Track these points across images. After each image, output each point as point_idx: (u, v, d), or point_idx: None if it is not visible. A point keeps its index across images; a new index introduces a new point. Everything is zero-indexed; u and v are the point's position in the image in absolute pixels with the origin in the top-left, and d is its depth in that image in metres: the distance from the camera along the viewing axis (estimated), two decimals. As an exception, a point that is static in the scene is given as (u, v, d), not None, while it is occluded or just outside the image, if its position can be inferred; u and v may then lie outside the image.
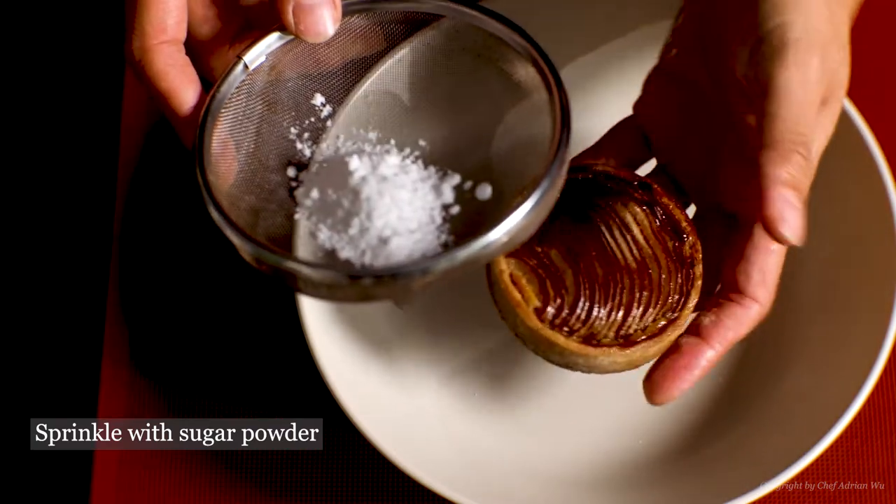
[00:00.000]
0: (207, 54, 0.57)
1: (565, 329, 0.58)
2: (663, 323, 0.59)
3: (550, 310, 0.58)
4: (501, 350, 0.68)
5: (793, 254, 0.69)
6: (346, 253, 0.55)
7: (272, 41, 0.56)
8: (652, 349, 0.58)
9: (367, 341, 0.67)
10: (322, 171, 0.57)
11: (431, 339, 0.68)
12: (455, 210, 0.56)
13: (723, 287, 0.58)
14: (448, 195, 0.57)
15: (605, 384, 0.65)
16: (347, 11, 0.56)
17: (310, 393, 0.69)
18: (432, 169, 0.57)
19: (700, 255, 0.60)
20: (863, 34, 0.70)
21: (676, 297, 0.59)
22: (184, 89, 0.54)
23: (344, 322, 0.67)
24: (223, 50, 0.56)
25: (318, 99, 0.59)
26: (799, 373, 0.67)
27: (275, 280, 0.53)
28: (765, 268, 0.57)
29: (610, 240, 0.60)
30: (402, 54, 0.60)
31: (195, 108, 0.54)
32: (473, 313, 0.68)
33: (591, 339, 0.58)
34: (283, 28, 0.55)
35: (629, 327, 0.59)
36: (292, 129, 0.58)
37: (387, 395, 0.66)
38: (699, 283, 0.60)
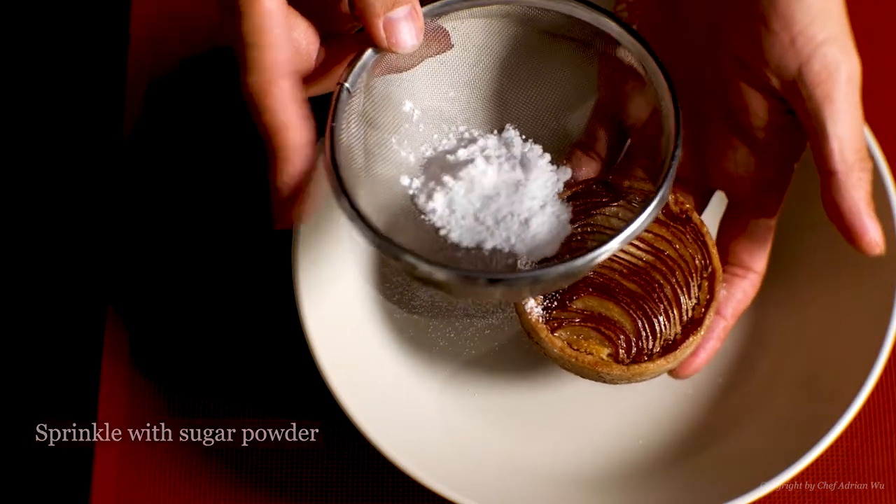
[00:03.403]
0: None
1: (644, 356, 0.59)
2: (706, 284, 0.60)
3: (622, 351, 0.59)
4: (501, 350, 0.68)
5: (794, 254, 0.69)
6: (490, 243, 0.57)
7: (365, 61, 0.57)
8: (713, 310, 0.60)
9: (367, 342, 0.67)
10: (436, 172, 0.59)
11: (432, 339, 0.68)
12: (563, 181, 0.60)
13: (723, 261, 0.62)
14: (553, 167, 0.60)
15: (605, 385, 0.65)
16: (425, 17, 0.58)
17: (310, 393, 0.69)
18: (527, 145, 0.60)
19: (688, 205, 0.61)
20: (863, 34, 0.70)
21: (699, 255, 0.60)
22: (300, 124, 0.54)
23: (344, 323, 0.67)
24: (311, 70, 0.57)
25: (407, 105, 0.61)
26: (799, 373, 0.67)
27: (434, 287, 0.56)
28: (765, 244, 0.62)
29: (617, 253, 0.60)
30: (476, 46, 0.62)
31: (307, 145, 0.54)
32: (474, 313, 0.68)
33: (668, 347, 0.59)
34: (372, 46, 0.56)
35: (687, 311, 0.60)
36: (393, 140, 0.60)
37: (387, 395, 0.66)
38: (705, 228, 0.61)
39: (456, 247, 0.58)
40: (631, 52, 0.59)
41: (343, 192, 0.54)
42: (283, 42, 0.54)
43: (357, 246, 0.68)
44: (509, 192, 0.58)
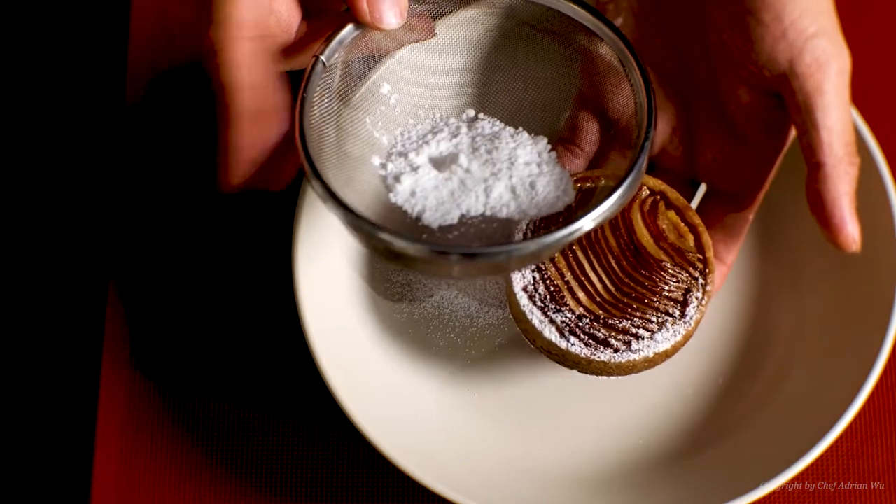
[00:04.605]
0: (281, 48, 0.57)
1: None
2: (698, 282, 0.61)
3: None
4: (501, 350, 0.68)
5: (793, 254, 0.69)
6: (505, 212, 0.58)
7: (343, 36, 0.57)
8: (704, 308, 0.61)
9: (367, 342, 0.67)
10: (409, 156, 0.59)
11: (432, 339, 0.68)
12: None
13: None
14: (543, 144, 0.60)
15: (605, 384, 0.65)
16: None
17: (310, 393, 0.69)
18: (506, 128, 0.61)
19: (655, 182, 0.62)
20: (863, 34, 0.70)
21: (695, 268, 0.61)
22: (258, 88, 0.54)
23: (344, 323, 0.67)
24: (290, 43, 0.57)
25: (385, 87, 0.61)
26: (799, 373, 0.67)
27: (399, 262, 0.56)
28: (740, 237, 0.62)
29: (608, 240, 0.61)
30: (459, 36, 0.62)
31: (259, 112, 0.54)
32: (474, 313, 0.68)
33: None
34: (353, 21, 0.56)
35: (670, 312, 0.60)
36: (368, 120, 0.60)
37: (387, 395, 0.66)
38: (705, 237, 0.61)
39: (427, 228, 0.58)
40: (608, 44, 0.59)
41: (308, 158, 0.54)
42: (255, 4, 0.54)
43: (358, 246, 0.68)
44: (494, 169, 0.58)
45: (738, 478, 0.63)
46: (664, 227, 0.61)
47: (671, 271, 0.60)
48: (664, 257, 0.60)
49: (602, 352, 0.59)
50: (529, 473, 0.66)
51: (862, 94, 0.68)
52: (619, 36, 0.59)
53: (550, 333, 0.60)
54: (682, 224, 0.61)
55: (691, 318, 0.60)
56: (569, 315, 0.60)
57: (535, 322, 0.60)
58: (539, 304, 0.60)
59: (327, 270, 0.66)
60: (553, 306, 0.60)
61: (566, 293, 0.60)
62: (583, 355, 0.59)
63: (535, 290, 0.60)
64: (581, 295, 0.60)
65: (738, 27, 0.56)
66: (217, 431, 0.69)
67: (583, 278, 0.60)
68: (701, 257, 0.60)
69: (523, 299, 0.60)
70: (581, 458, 0.67)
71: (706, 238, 0.61)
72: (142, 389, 0.70)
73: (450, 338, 0.68)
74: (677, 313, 0.60)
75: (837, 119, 0.55)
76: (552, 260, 0.60)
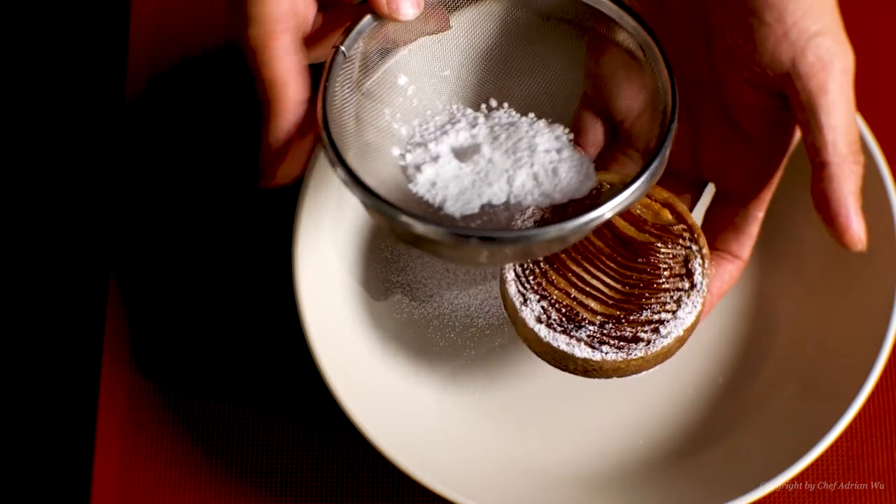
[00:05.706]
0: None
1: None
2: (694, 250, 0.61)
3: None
4: (501, 350, 0.68)
5: (793, 254, 0.69)
6: (508, 199, 0.58)
7: (361, 28, 0.57)
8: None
9: (367, 342, 0.67)
10: (429, 146, 0.59)
11: (432, 339, 0.68)
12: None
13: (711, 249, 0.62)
14: (560, 130, 0.60)
15: (605, 384, 0.65)
16: None
17: (310, 393, 0.69)
18: (521, 117, 0.61)
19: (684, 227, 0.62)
20: (864, 35, 0.70)
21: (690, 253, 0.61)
22: (297, 80, 0.55)
23: (344, 323, 0.67)
24: (306, 35, 0.57)
25: (402, 79, 0.61)
26: (799, 372, 0.67)
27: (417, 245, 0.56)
28: (753, 233, 0.62)
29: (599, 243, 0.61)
30: (474, 28, 0.63)
31: (302, 102, 0.55)
32: (474, 313, 0.68)
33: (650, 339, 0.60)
34: (370, 13, 0.57)
35: (668, 309, 0.60)
36: (386, 111, 0.60)
37: (387, 395, 0.66)
38: (699, 232, 0.61)
39: (450, 218, 0.58)
40: (629, 33, 0.59)
41: (332, 145, 0.54)
42: None
43: (358, 245, 0.68)
44: (515, 158, 0.58)
45: (738, 478, 0.63)
46: (638, 212, 0.61)
47: (664, 249, 0.60)
48: (652, 239, 0.60)
49: (636, 348, 0.59)
50: (529, 473, 0.66)
51: (862, 94, 0.67)
52: (640, 21, 0.58)
53: (582, 351, 0.59)
54: (654, 203, 0.61)
55: (702, 284, 0.60)
56: (591, 327, 0.60)
57: (563, 347, 0.59)
58: (559, 328, 0.60)
59: (327, 270, 0.66)
60: (573, 326, 0.60)
61: (579, 308, 0.60)
62: (620, 359, 0.59)
63: (549, 317, 0.60)
64: (593, 304, 0.60)
65: (741, 28, 0.56)
66: (217, 431, 0.69)
67: (588, 289, 0.60)
68: (685, 226, 0.61)
69: (542, 331, 0.60)
70: (581, 458, 0.67)
71: (680, 206, 0.61)
72: (142, 389, 0.70)
73: (450, 338, 0.68)
74: (687, 285, 0.60)
75: (841, 118, 0.55)
76: (552, 283, 0.60)
